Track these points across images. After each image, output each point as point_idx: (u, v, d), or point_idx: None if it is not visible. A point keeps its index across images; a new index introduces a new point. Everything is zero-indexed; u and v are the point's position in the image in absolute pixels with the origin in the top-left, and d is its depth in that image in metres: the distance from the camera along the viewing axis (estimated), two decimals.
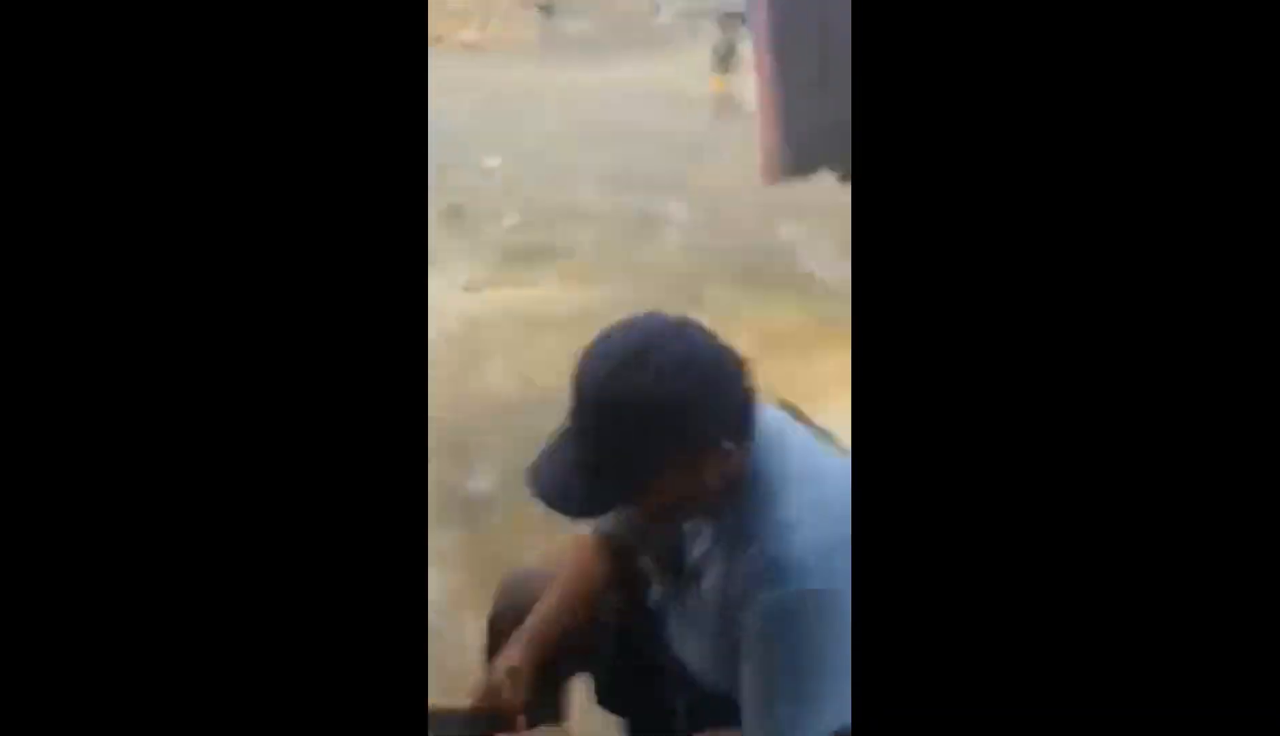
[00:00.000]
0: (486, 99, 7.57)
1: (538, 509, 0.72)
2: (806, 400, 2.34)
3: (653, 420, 0.66)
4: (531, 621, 0.88)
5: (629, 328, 0.71)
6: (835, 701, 0.70)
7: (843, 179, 2.88)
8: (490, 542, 1.74)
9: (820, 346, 2.65)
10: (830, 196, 3.87)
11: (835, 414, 2.24)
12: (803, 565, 0.68)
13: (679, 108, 7.25)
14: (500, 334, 2.73)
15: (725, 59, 6.55)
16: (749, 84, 2.45)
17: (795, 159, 2.51)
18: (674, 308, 2.88)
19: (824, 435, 0.85)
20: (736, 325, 2.81)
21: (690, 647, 0.84)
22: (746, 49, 3.92)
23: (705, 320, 2.71)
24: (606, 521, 0.90)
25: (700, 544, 0.79)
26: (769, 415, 0.77)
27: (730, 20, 6.91)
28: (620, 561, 0.91)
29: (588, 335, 2.53)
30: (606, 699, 0.95)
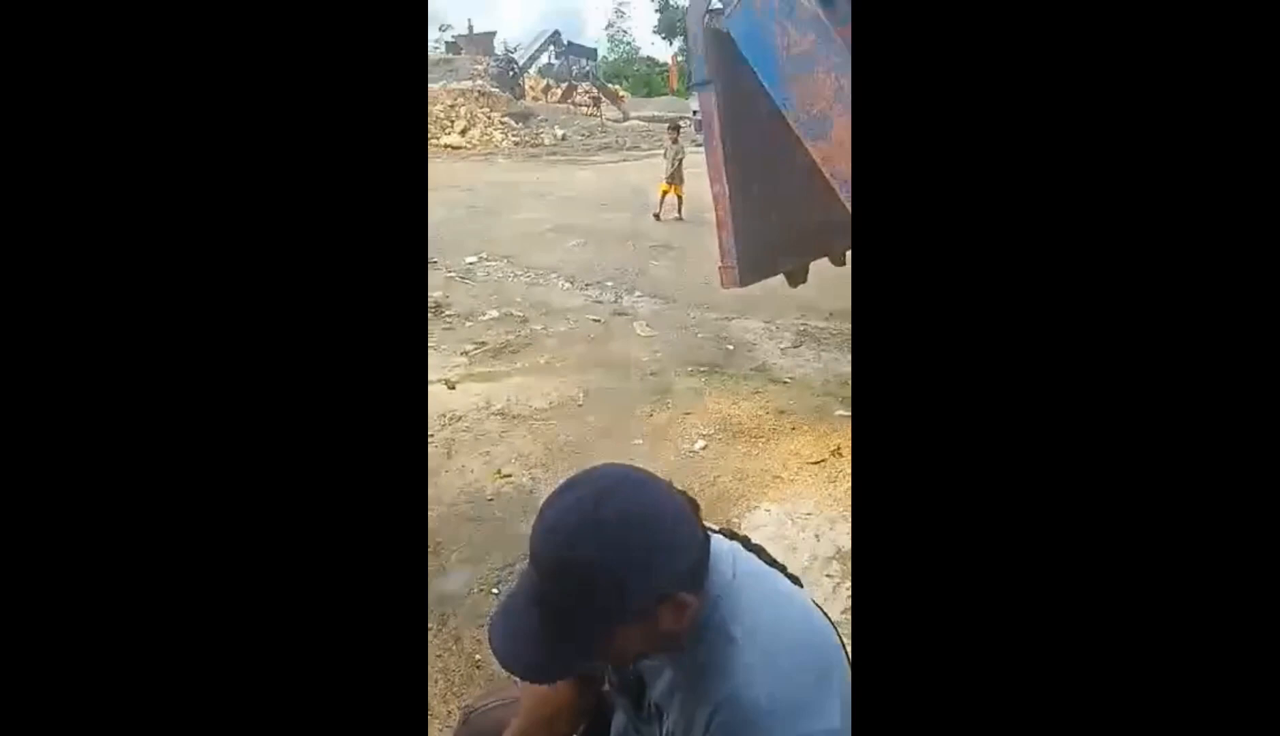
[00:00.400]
0: (466, 200, 7.97)
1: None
2: (766, 485, 2.51)
3: (609, 586, 0.67)
4: None
5: (580, 489, 0.70)
6: None
7: (792, 282, 3.16)
8: (460, 645, 1.76)
9: (775, 432, 2.84)
10: (781, 296, 4.20)
11: (789, 492, 2.40)
12: (759, 709, 0.69)
13: (644, 209, 7.73)
14: (476, 428, 2.86)
15: (673, 167, 7.16)
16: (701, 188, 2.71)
17: (750, 266, 2.77)
18: (643, 396, 3.03)
19: (778, 566, 0.85)
20: (700, 415, 3.01)
21: None
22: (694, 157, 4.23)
23: (672, 406, 2.84)
24: None
25: (661, 682, 0.79)
26: (721, 550, 0.78)
27: (674, 131, 7.56)
28: (586, 691, 0.92)
29: (562, 427, 2.68)
30: None
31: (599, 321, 4.19)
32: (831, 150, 2.29)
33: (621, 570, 0.67)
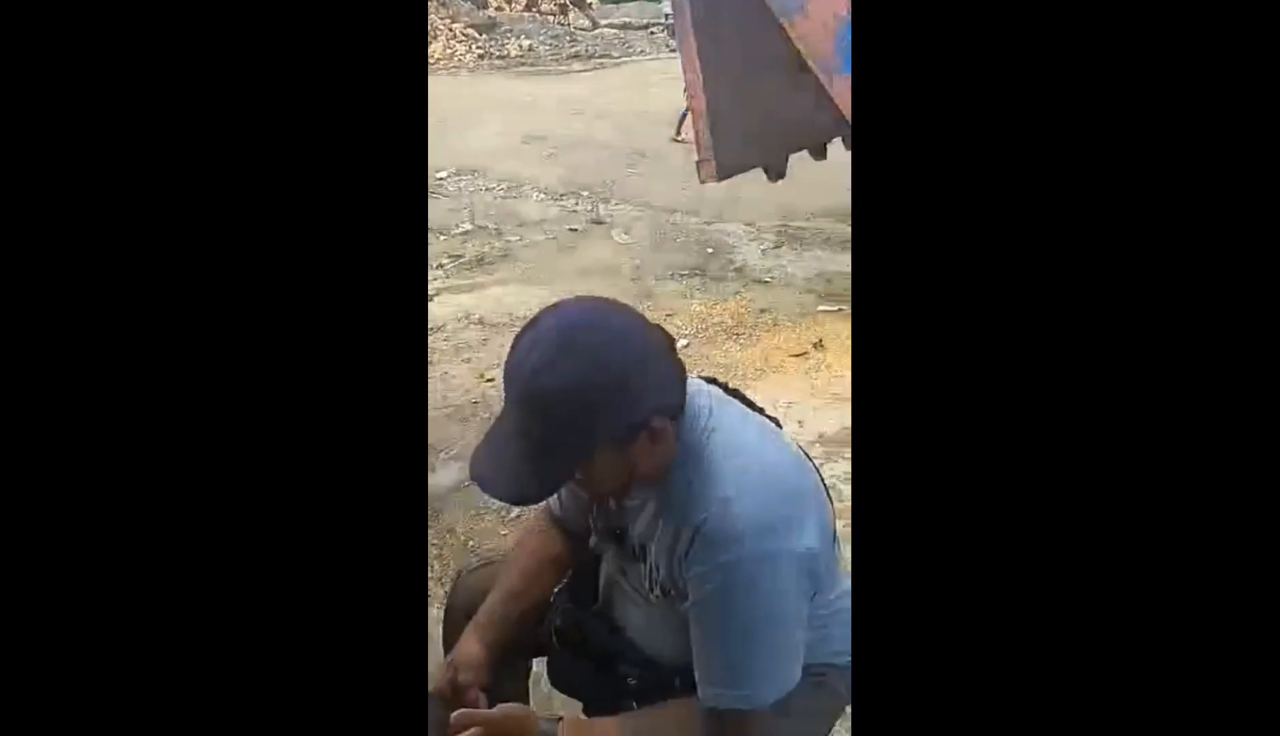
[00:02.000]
0: (431, 115, 7.61)
1: (496, 501, 0.74)
2: (749, 377, 2.54)
3: (586, 406, 0.67)
4: (486, 608, 0.89)
5: (554, 315, 0.71)
6: (780, 661, 0.75)
7: (770, 176, 3.10)
8: (454, 536, 1.79)
9: (757, 329, 2.86)
10: (762, 195, 4.12)
11: (772, 383, 2.45)
12: (740, 535, 0.71)
13: (616, 119, 7.45)
14: (456, 337, 2.84)
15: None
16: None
17: (727, 160, 2.71)
18: (623, 301, 3.05)
19: (753, 405, 0.86)
20: (683, 316, 3.00)
21: (639, 622, 0.86)
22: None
23: (653, 309, 2.84)
24: (557, 504, 0.93)
25: (642, 520, 0.80)
26: (698, 389, 0.79)
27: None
28: (571, 542, 0.93)
29: None
30: (560, 680, 0.95)
31: (576, 231, 4.10)
32: (807, 26, 2.20)
33: (597, 390, 0.67)
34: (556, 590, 0.95)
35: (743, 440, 0.78)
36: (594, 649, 0.89)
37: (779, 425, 0.88)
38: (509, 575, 0.93)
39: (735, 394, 0.87)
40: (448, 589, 1.08)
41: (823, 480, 0.88)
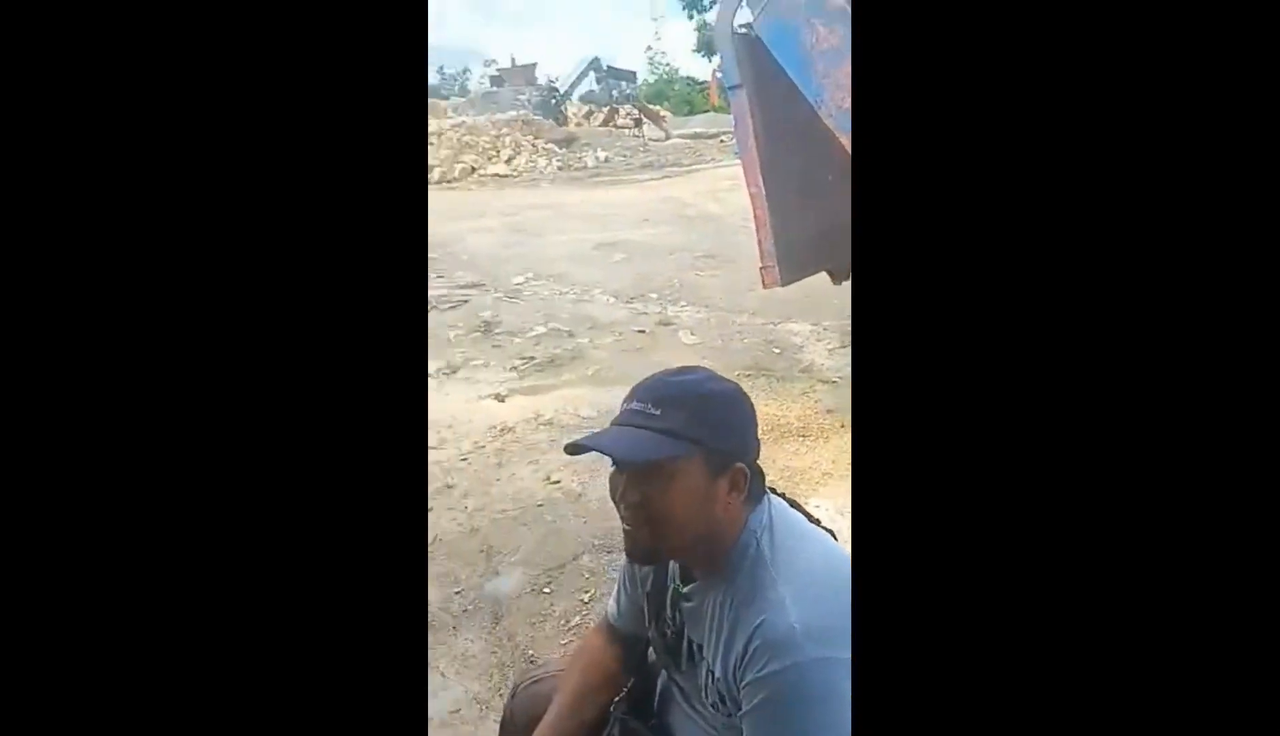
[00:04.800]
0: (512, 224, 8.20)
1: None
2: (817, 480, 2.47)
3: (729, 407, 0.80)
4: (545, 724, 0.92)
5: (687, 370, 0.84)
6: None
7: (835, 279, 3.13)
8: (514, 642, 1.79)
9: (825, 430, 2.80)
10: (825, 296, 4.14)
11: (841, 489, 2.36)
12: (795, 642, 0.73)
13: (687, 223, 7.78)
14: (526, 438, 2.92)
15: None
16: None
17: (790, 265, 2.78)
18: None
19: (814, 520, 0.90)
20: None
21: (696, 731, 0.88)
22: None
23: None
24: (615, 609, 0.99)
25: (702, 622, 0.83)
26: (765, 498, 0.84)
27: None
28: (627, 652, 0.97)
29: None
30: None
31: (644, 332, 4.22)
32: None
33: (742, 408, 0.81)
34: (616, 700, 0.97)
35: (797, 548, 0.81)
36: None
37: (834, 537, 0.90)
38: (566, 689, 0.96)
39: (791, 503, 0.90)
40: (505, 699, 1.09)
41: None
